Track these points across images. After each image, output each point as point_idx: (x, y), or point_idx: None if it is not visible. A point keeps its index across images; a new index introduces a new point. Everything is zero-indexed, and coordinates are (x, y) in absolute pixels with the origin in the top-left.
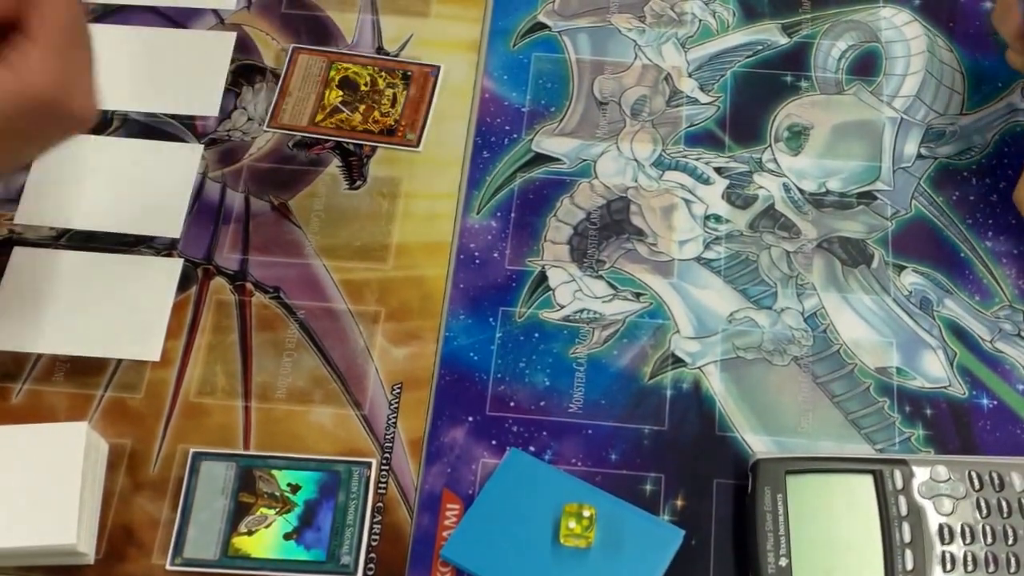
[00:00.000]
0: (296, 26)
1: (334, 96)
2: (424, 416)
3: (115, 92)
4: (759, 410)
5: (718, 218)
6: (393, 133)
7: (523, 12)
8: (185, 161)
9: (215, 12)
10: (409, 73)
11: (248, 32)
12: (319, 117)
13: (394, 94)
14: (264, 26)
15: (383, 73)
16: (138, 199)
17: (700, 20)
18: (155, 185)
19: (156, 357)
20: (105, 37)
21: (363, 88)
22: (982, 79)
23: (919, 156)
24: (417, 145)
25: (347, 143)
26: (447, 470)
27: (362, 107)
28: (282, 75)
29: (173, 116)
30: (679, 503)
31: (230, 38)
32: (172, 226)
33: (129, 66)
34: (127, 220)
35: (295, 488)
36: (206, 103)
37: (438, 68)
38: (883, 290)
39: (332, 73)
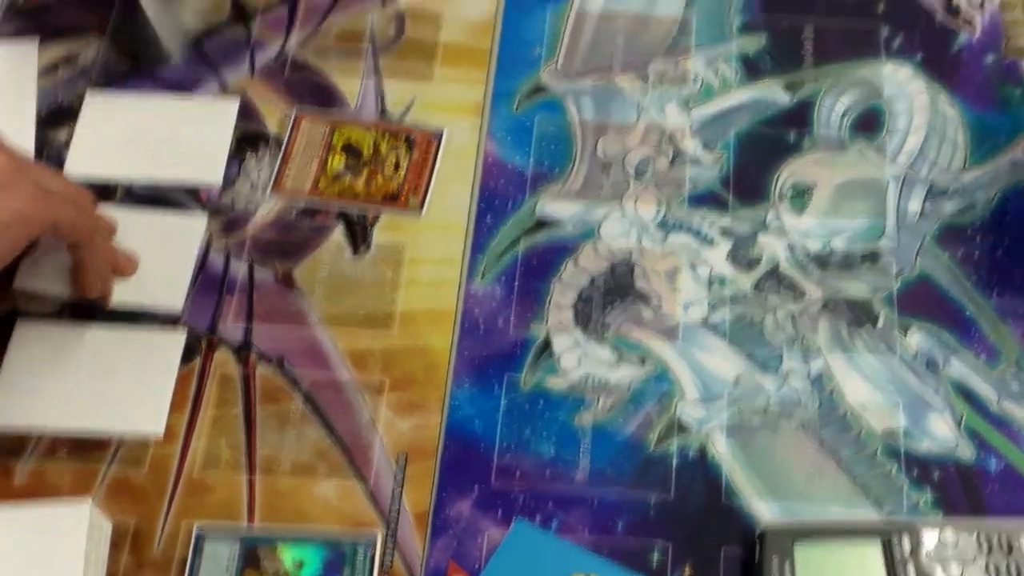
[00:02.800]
0: (299, 92)
1: (337, 161)
2: (430, 487)
3: (117, 161)
4: (766, 475)
5: (723, 280)
6: (396, 198)
7: (526, 74)
8: (189, 233)
9: (218, 78)
10: (412, 138)
11: (251, 98)
12: (322, 183)
13: (397, 159)
14: (267, 92)
15: (386, 138)
16: (141, 270)
17: (703, 79)
18: (158, 257)
19: (160, 432)
20: (105, 106)
21: (366, 153)
22: (985, 135)
23: (923, 213)
24: (420, 210)
25: (350, 211)
26: (453, 543)
27: (365, 172)
28: (285, 141)
29: (176, 185)
30: (687, 572)
31: (233, 106)
32: (175, 300)
33: (131, 135)
34: (129, 292)
35: (299, 565)
36: (210, 172)
37: (441, 133)
38: (889, 350)
39: (335, 138)
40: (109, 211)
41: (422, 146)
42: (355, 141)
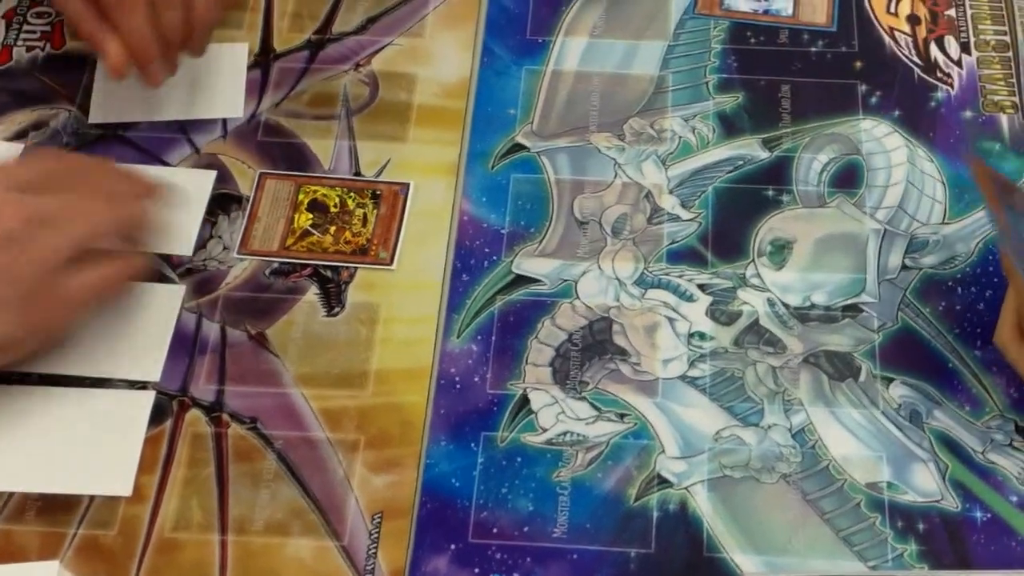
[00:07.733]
0: (272, 154)
1: (304, 219)
2: (406, 545)
3: None
4: (748, 529)
5: (702, 335)
6: (366, 252)
7: (501, 134)
8: (166, 303)
9: (190, 141)
10: (378, 192)
11: (224, 161)
12: (289, 241)
13: (364, 214)
14: (240, 155)
15: (352, 194)
16: (115, 341)
17: (680, 137)
18: (133, 327)
19: (128, 492)
20: None
21: (333, 210)
22: (963, 188)
23: (904, 267)
24: (391, 263)
25: (324, 269)
26: None
27: (332, 228)
28: (250, 200)
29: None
30: None
31: (210, 176)
32: (151, 371)
33: None
34: (102, 365)
35: None
36: (180, 243)
37: (407, 185)
38: (871, 403)
39: (301, 196)
40: None
41: (389, 200)
42: (321, 198)
